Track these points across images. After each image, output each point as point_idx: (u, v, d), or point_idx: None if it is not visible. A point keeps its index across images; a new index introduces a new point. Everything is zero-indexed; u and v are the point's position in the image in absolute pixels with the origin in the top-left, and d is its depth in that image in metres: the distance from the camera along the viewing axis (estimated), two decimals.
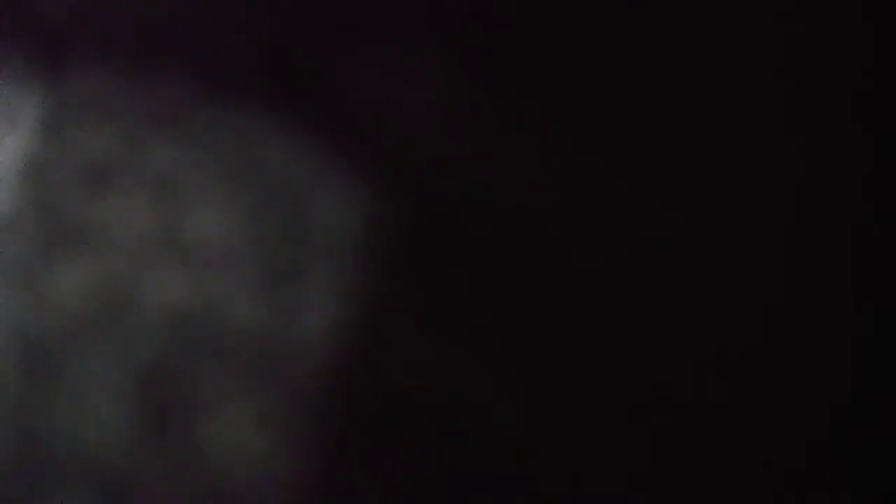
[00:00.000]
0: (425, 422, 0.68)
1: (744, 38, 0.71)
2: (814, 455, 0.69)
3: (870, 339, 0.69)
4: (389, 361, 0.69)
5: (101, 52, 0.72)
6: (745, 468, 0.68)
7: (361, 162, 0.71)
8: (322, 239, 0.70)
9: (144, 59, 0.72)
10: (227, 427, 0.69)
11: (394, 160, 0.71)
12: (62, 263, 0.70)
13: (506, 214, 0.70)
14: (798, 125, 0.71)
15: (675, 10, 0.71)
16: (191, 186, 0.71)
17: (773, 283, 0.70)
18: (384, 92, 0.71)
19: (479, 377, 0.69)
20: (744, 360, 0.69)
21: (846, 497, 0.68)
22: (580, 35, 0.71)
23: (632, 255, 0.70)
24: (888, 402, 0.69)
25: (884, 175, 0.70)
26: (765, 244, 0.70)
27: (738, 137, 0.71)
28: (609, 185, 0.70)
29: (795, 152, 0.71)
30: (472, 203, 0.70)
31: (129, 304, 0.70)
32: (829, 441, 0.69)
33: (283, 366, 0.69)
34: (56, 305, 0.70)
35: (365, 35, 0.71)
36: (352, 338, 0.69)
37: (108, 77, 0.72)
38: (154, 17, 0.72)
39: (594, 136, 0.71)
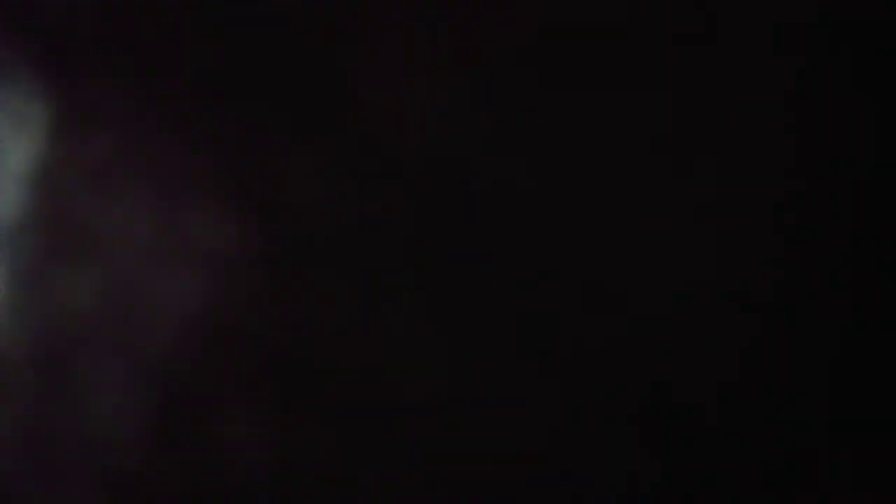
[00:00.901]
0: (428, 420, 0.69)
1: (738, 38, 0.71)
2: (810, 455, 0.69)
3: (869, 343, 0.69)
4: (393, 361, 0.69)
5: (107, 57, 0.73)
6: (743, 465, 0.69)
7: (364, 164, 0.71)
8: (326, 241, 0.71)
9: (151, 63, 0.72)
10: (233, 429, 0.69)
11: (395, 161, 0.71)
12: (70, 267, 0.71)
13: (506, 213, 0.70)
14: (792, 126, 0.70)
15: (668, 8, 0.71)
16: (198, 190, 0.71)
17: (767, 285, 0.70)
18: (386, 94, 0.71)
19: (481, 375, 0.69)
20: (744, 356, 0.69)
21: (846, 497, 0.69)
22: (580, 35, 0.71)
23: (634, 251, 0.70)
24: (887, 401, 0.69)
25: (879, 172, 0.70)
26: (760, 246, 0.70)
27: (733, 138, 0.71)
28: (610, 183, 0.70)
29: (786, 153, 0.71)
30: (473, 202, 0.70)
31: (136, 308, 0.71)
32: (827, 441, 0.69)
33: (288, 367, 0.70)
34: (64, 309, 0.71)
35: (367, 37, 0.72)
36: (356, 338, 0.70)
37: (115, 81, 0.72)
38: (160, 22, 0.73)
39: (595, 134, 0.71)
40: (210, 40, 0.72)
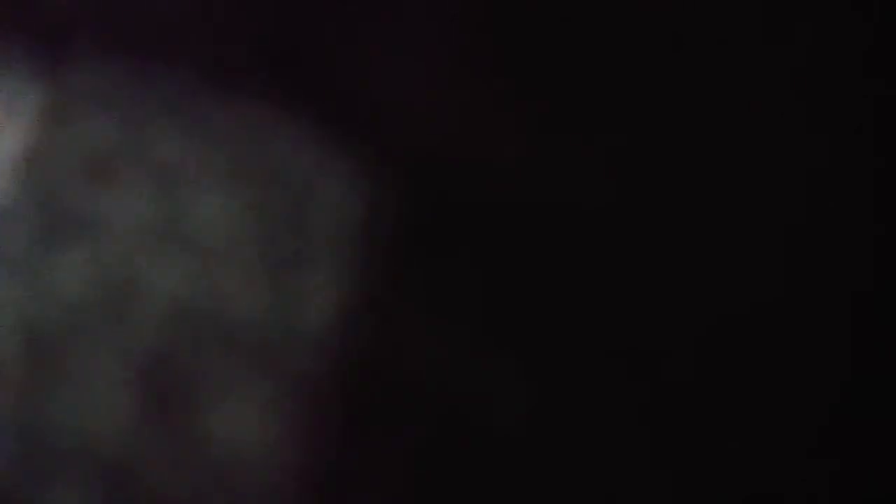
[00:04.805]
0: (428, 410, 0.69)
1: (752, 35, 0.72)
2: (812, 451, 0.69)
3: (871, 342, 0.70)
4: (392, 351, 0.69)
5: (103, 43, 0.72)
6: (746, 462, 0.69)
7: (364, 153, 0.71)
8: (325, 229, 0.71)
9: (147, 50, 0.72)
10: (229, 417, 0.69)
11: (397, 151, 0.71)
12: (63, 253, 0.70)
13: (508, 206, 0.70)
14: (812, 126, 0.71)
15: (680, 5, 0.72)
16: (193, 177, 0.71)
17: (776, 284, 0.70)
18: (388, 84, 0.71)
19: (482, 365, 0.69)
20: (747, 353, 0.70)
21: (847, 496, 0.69)
22: (586, 30, 0.72)
23: (639, 249, 0.70)
24: (886, 399, 0.70)
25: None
26: (768, 243, 0.71)
27: (741, 134, 0.72)
28: (614, 180, 0.71)
29: (804, 151, 0.71)
30: (474, 194, 0.70)
31: (130, 295, 0.70)
32: (826, 441, 0.70)
33: (285, 356, 0.69)
34: (57, 296, 0.70)
35: (370, 27, 0.72)
36: (354, 328, 0.69)
37: (111, 67, 0.72)
38: (157, 7, 0.72)
39: (602, 130, 0.71)
40: (209, 27, 0.72)
